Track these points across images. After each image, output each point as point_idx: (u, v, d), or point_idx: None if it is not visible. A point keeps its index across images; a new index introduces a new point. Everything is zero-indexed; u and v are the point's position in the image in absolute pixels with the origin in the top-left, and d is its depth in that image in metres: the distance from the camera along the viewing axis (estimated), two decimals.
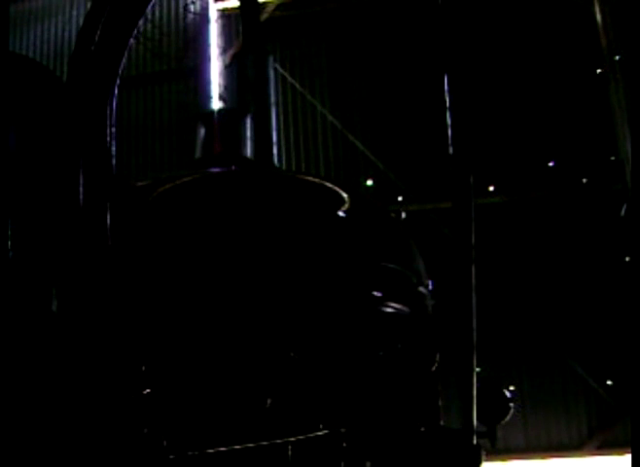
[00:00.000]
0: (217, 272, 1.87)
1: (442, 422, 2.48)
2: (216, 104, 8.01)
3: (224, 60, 8.28)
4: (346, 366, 1.96)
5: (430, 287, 2.59)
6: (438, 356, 2.48)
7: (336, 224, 2.19)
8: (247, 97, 3.47)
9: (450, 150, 2.36)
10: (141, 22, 1.47)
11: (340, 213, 2.25)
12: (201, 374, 1.77)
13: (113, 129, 1.40)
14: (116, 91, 1.41)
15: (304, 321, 1.92)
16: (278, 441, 1.68)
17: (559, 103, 7.28)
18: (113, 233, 1.35)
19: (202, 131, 2.92)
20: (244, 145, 2.90)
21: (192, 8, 8.31)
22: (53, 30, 8.87)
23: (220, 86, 8.15)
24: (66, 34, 8.65)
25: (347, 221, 2.25)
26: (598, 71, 7.33)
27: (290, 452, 1.67)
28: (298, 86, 8.02)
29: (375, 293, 2.13)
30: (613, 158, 7.09)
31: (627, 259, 5.23)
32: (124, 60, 1.42)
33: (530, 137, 7.27)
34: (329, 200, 2.28)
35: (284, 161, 7.71)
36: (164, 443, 1.55)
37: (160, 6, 8.49)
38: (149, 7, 1.49)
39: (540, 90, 7.34)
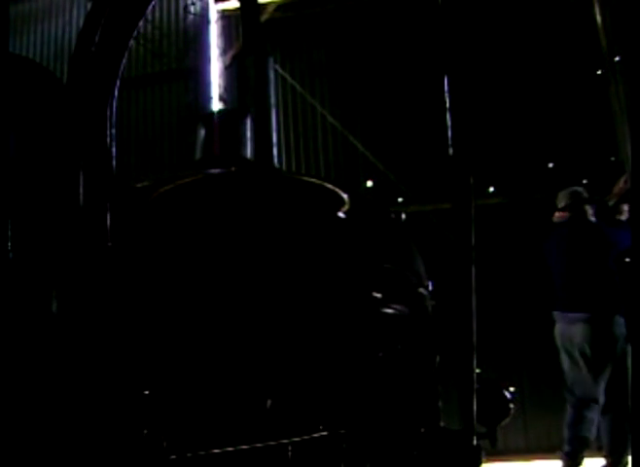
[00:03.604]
0: (217, 273, 1.87)
1: (442, 423, 2.48)
2: (216, 105, 8.02)
3: (224, 61, 8.28)
4: (346, 367, 1.96)
5: (430, 288, 2.59)
6: (438, 357, 2.49)
7: (336, 225, 2.19)
8: (247, 98, 3.47)
9: (450, 151, 2.36)
10: (141, 23, 1.47)
11: (340, 214, 2.25)
12: (201, 374, 1.77)
13: (113, 130, 1.40)
14: (116, 93, 1.41)
15: (304, 322, 1.92)
16: (278, 442, 1.68)
17: (559, 104, 7.29)
18: (113, 235, 1.35)
19: (202, 132, 2.91)
20: (244, 146, 2.90)
21: (192, 9, 8.32)
22: (53, 31, 8.88)
23: (220, 87, 8.16)
24: (66, 35, 8.66)
25: (347, 222, 2.25)
26: (598, 72, 7.33)
27: (290, 454, 1.67)
28: (298, 87, 8.03)
29: (375, 294, 2.13)
30: (613, 158, 7.10)
31: (627, 259, 5.23)
32: (124, 61, 1.42)
33: (530, 138, 7.28)
34: (329, 201, 2.28)
35: (284, 162, 7.72)
36: (164, 443, 1.55)
37: (161, 7, 8.50)
38: (149, 8, 1.49)
39: (540, 91, 7.35)
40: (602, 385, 5.04)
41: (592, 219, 5.44)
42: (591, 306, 5.09)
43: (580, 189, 5.58)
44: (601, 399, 5.05)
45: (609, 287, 5.13)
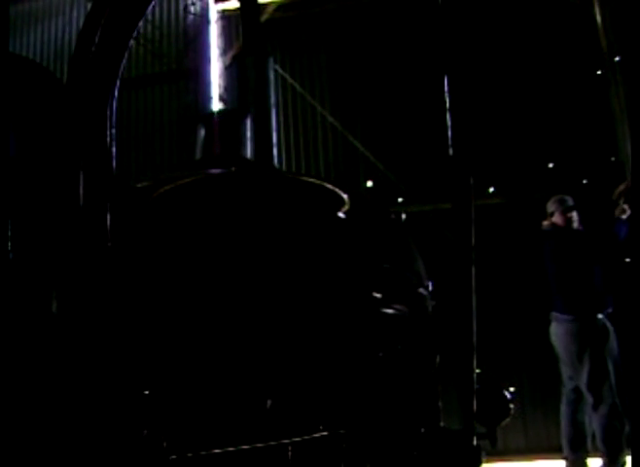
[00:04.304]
0: (217, 273, 1.87)
1: (442, 423, 2.48)
2: (216, 105, 8.02)
3: (224, 61, 8.28)
4: (346, 367, 1.96)
5: (430, 288, 2.59)
6: (438, 357, 2.48)
7: (336, 225, 2.19)
8: (247, 98, 3.47)
9: (450, 151, 2.36)
10: (141, 24, 1.47)
11: (340, 214, 2.25)
12: (201, 374, 1.78)
13: (113, 131, 1.40)
14: (116, 93, 1.41)
15: (304, 322, 1.92)
16: (278, 442, 1.68)
17: (559, 104, 7.29)
18: (113, 235, 1.35)
19: (202, 132, 2.92)
20: (244, 146, 2.90)
21: (192, 9, 8.32)
22: (53, 31, 8.88)
23: (220, 87, 8.16)
24: (66, 35, 8.66)
25: (347, 222, 2.25)
26: (598, 72, 7.34)
27: (290, 454, 1.67)
28: (298, 87, 8.02)
29: (375, 294, 2.13)
30: (613, 158, 7.10)
31: (627, 260, 5.25)
32: (124, 62, 1.42)
33: (530, 138, 7.28)
34: (329, 202, 2.28)
35: (284, 163, 7.72)
36: (164, 444, 1.55)
37: (161, 7, 8.50)
38: (149, 8, 1.49)
39: (540, 92, 7.35)
40: (584, 380, 5.21)
41: (577, 226, 5.63)
42: (575, 309, 5.40)
43: (566, 197, 5.76)
44: (589, 399, 5.20)
45: (591, 290, 5.43)
